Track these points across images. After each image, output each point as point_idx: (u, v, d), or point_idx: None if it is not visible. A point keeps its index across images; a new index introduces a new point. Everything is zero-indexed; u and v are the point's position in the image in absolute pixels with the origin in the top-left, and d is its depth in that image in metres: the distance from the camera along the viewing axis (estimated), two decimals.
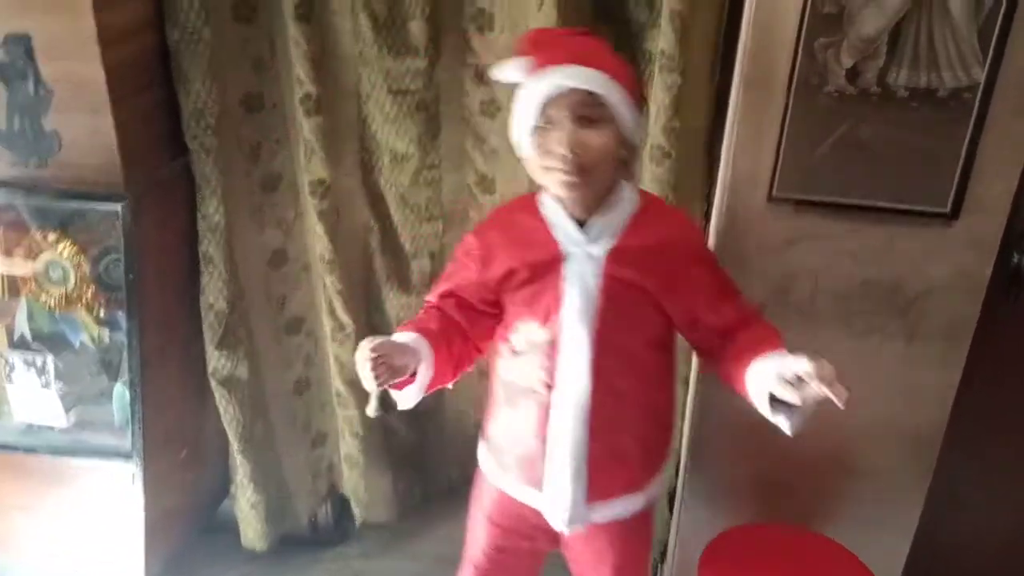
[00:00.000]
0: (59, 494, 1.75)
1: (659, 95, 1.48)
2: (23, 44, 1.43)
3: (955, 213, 1.40)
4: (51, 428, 1.70)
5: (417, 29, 1.60)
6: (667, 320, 1.32)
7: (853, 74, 1.33)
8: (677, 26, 1.41)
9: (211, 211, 1.67)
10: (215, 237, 1.70)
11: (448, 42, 1.65)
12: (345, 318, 1.83)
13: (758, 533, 1.61)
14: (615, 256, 1.26)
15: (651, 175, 1.56)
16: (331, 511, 2.17)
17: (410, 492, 2.11)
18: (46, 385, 1.67)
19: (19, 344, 1.66)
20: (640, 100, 1.41)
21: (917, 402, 1.56)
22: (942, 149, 1.36)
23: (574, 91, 1.17)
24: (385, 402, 1.24)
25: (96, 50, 1.40)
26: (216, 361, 1.79)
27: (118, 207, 1.52)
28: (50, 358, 1.66)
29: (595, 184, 1.23)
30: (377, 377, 1.17)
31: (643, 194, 1.33)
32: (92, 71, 1.43)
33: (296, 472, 2.05)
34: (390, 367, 1.19)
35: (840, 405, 1.08)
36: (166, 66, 1.58)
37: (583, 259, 1.26)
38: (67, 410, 1.69)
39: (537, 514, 1.41)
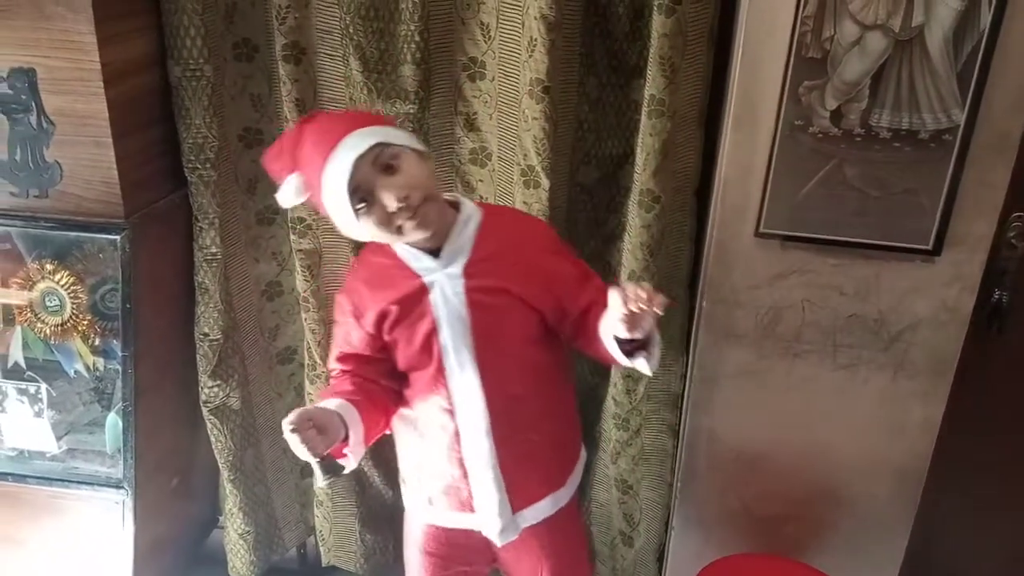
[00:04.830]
0: (49, 523, 1.73)
1: (648, 140, 1.48)
2: (27, 78, 1.45)
3: (937, 250, 1.43)
4: (42, 457, 1.70)
5: (408, 73, 1.59)
6: (540, 316, 1.35)
7: (837, 116, 1.37)
8: (667, 71, 1.42)
9: (208, 242, 1.69)
10: (211, 268, 1.71)
11: (439, 88, 1.64)
12: (317, 357, 1.83)
13: (747, 563, 1.63)
14: (472, 269, 1.30)
15: (641, 220, 1.55)
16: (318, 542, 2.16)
17: (381, 547, 2.05)
18: (39, 414, 1.67)
19: (13, 372, 1.66)
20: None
21: (902, 434, 1.58)
22: (924, 188, 1.39)
23: (361, 157, 1.19)
24: (330, 468, 1.25)
25: (100, 86, 1.42)
26: (209, 390, 1.79)
27: (116, 238, 1.54)
28: (44, 387, 1.66)
29: (435, 211, 1.27)
30: (309, 443, 1.17)
31: (484, 206, 1.38)
32: (95, 106, 1.45)
33: (285, 502, 2.05)
34: (319, 429, 1.19)
35: (659, 311, 1.11)
36: (167, 101, 1.60)
37: (444, 282, 1.30)
38: (59, 438, 1.69)
39: (467, 536, 1.46)
